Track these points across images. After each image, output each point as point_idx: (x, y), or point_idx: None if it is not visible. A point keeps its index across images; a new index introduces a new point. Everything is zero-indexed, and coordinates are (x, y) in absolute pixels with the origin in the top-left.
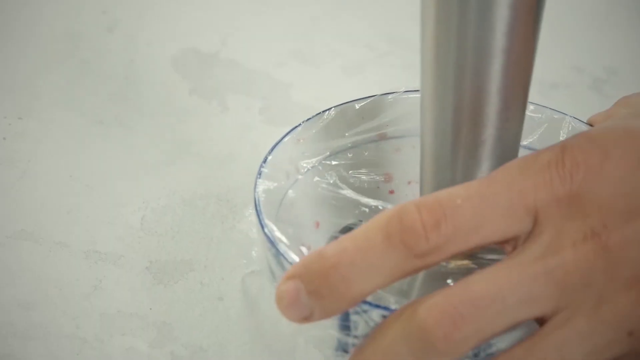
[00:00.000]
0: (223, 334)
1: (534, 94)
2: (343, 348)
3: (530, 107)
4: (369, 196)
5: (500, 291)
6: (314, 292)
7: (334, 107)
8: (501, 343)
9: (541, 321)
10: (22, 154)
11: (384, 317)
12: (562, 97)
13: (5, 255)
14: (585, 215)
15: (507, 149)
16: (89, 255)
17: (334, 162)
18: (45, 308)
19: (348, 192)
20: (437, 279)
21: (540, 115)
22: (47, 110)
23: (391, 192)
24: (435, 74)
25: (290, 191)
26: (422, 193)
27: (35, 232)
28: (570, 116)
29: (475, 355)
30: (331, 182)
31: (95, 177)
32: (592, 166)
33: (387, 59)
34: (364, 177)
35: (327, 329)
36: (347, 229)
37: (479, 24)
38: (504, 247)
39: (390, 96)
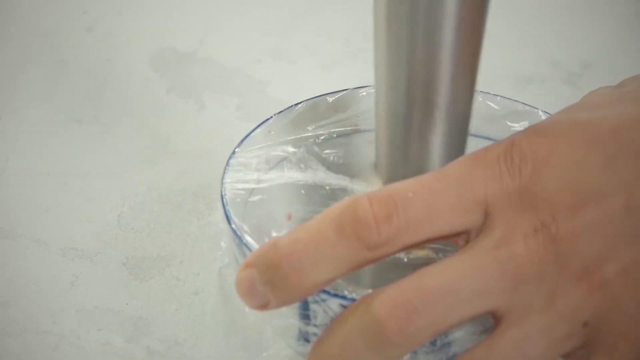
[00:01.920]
0: (199, 328)
1: (508, 88)
2: (304, 337)
3: (501, 101)
4: (341, 188)
5: (454, 284)
6: (267, 282)
7: (306, 100)
8: (459, 333)
9: (495, 316)
10: (0, 152)
11: (342, 306)
12: (537, 91)
13: None
14: (535, 208)
15: (459, 120)
16: (66, 252)
17: (305, 154)
18: (22, 304)
19: (319, 184)
20: (399, 268)
21: (511, 109)
22: (25, 109)
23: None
24: (388, 63)
25: (260, 183)
26: (379, 175)
27: (13, 230)
28: (541, 110)
29: (432, 344)
30: (303, 173)
31: (73, 175)
32: (540, 160)
33: (364, 55)
34: (336, 168)
35: (288, 318)
36: None
37: (428, 17)
38: (457, 240)
39: (362, 90)
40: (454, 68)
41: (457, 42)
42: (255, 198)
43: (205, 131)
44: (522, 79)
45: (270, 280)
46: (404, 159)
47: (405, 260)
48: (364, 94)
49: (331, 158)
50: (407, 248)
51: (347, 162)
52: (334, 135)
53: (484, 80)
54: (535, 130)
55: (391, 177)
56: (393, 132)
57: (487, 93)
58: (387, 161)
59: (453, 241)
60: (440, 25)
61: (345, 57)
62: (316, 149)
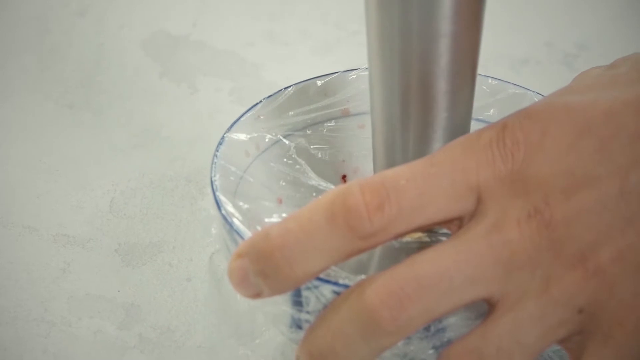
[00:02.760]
0: (191, 314)
1: (504, 70)
2: (297, 324)
3: (493, 83)
4: (332, 171)
5: (447, 270)
6: (260, 272)
7: (295, 84)
8: (453, 318)
9: (490, 302)
10: None
11: (335, 292)
12: (532, 72)
13: None
14: (528, 193)
15: (457, 128)
16: (58, 239)
17: (296, 138)
18: (13, 292)
19: (309, 168)
20: (395, 254)
21: (503, 91)
22: (16, 95)
23: (355, 168)
24: (381, 56)
25: (250, 168)
26: (375, 172)
27: (4, 217)
28: (533, 91)
29: (426, 330)
30: (293, 158)
31: (65, 161)
32: (532, 143)
33: (357, 38)
34: (327, 152)
35: (280, 305)
36: None
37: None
38: (450, 226)
39: (352, 73)
40: (452, 65)
41: (454, 35)
42: (246, 183)
43: (198, 115)
44: (517, 60)
45: (263, 271)
46: (403, 160)
47: (397, 246)
48: (354, 76)
49: (319, 155)
50: (400, 236)
51: (336, 151)
52: (324, 120)
53: (479, 62)
54: (527, 114)
55: None
56: (390, 134)
57: (479, 75)
58: (384, 163)
59: (446, 227)
60: (435, 17)
61: (339, 40)
62: (305, 142)
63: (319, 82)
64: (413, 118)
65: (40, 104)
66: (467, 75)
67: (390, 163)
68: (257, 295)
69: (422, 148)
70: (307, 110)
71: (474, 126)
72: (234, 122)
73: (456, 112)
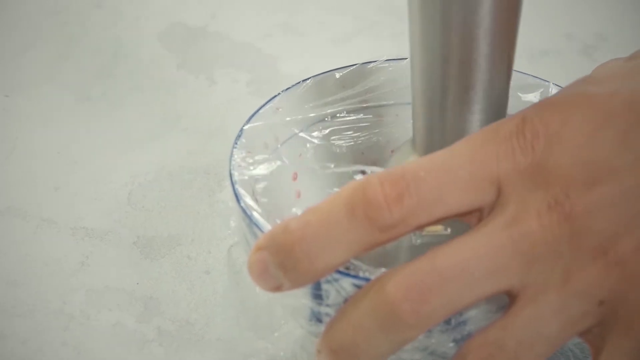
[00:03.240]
0: (210, 307)
1: (524, 61)
2: (316, 317)
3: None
4: (351, 163)
5: (467, 263)
6: (280, 265)
7: (314, 76)
8: (474, 311)
9: (510, 295)
10: (10, 130)
11: (355, 285)
12: (552, 63)
13: None
14: (548, 185)
15: (495, 99)
16: (76, 232)
17: (314, 131)
18: (32, 285)
19: (328, 161)
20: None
21: (522, 83)
22: (34, 87)
23: (374, 159)
24: (422, 17)
25: (269, 161)
26: (415, 148)
27: (23, 209)
28: (553, 83)
29: (447, 323)
30: (311, 150)
31: (83, 153)
32: (552, 135)
33: (375, 29)
34: (345, 144)
35: (299, 298)
36: None
37: None
38: (469, 219)
39: (371, 65)
40: (490, 45)
41: (494, 18)
42: (265, 176)
43: (216, 107)
44: (537, 51)
45: (283, 264)
46: (441, 136)
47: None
48: (373, 68)
49: (338, 147)
50: (420, 228)
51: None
52: (343, 112)
53: None
54: (546, 105)
55: (428, 153)
56: (429, 110)
57: None
58: (424, 138)
59: (466, 219)
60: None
61: (357, 31)
62: (323, 135)
63: (337, 74)
64: (453, 82)
65: (57, 96)
66: (507, 39)
67: (430, 149)
68: (277, 288)
69: (460, 131)
70: (326, 102)
71: None
72: (253, 114)
73: (495, 81)
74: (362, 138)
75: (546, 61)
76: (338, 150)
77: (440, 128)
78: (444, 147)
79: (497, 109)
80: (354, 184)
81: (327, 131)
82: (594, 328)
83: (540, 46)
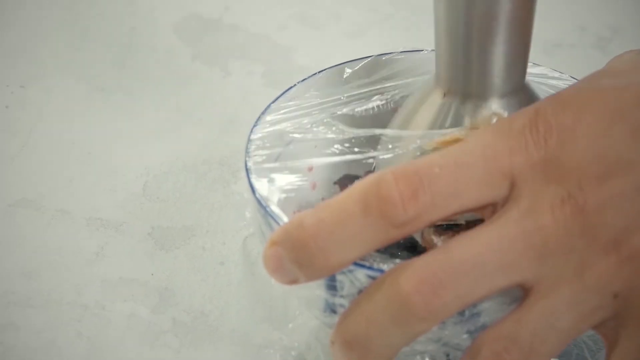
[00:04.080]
0: (224, 298)
1: (538, 53)
2: (331, 308)
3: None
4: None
5: (480, 256)
6: (294, 261)
7: (329, 67)
8: (487, 303)
9: (524, 288)
10: (24, 122)
11: (369, 276)
12: (566, 56)
13: (7, 223)
14: (562, 178)
15: (518, 29)
16: (91, 223)
17: (329, 122)
18: (46, 276)
19: (344, 151)
20: None
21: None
22: (49, 78)
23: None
24: None
25: (284, 152)
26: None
27: (37, 200)
28: (566, 75)
29: (461, 315)
30: (326, 142)
31: (97, 144)
32: (565, 129)
33: (390, 22)
34: (361, 135)
35: (314, 289)
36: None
37: None
38: (483, 212)
39: (386, 56)
40: None
41: None
42: (279, 167)
43: (231, 99)
44: (550, 44)
45: (298, 260)
46: (465, 70)
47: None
48: (388, 59)
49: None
50: (434, 223)
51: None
52: (358, 104)
53: None
54: (559, 99)
55: (452, 88)
56: (453, 42)
57: None
58: (447, 73)
59: (480, 213)
60: None
61: (371, 24)
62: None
63: (352, 66)
64: (476, 12)
65: (72, 87)
66: None
67: (453, 83)
68: (293, 282)
69: (484, 64)
70: (341, 94)
71: None
72: (268, 106)
73: (517, 10)
74: (377, 129)
75: (560, 54)
76: (354, 141)
77: (464, 62)
78: (468, 81)
79: (520, 40)
80: (367, 180)
81: (342, 122)
82: (608, 321)
83: (554, 39)
